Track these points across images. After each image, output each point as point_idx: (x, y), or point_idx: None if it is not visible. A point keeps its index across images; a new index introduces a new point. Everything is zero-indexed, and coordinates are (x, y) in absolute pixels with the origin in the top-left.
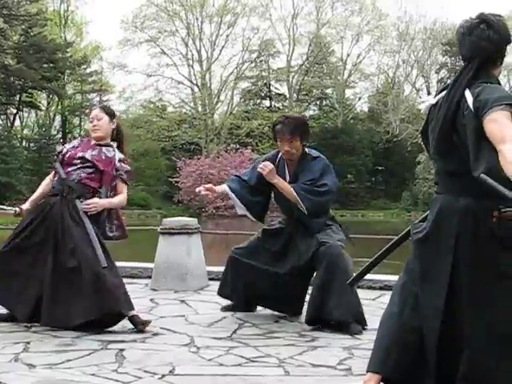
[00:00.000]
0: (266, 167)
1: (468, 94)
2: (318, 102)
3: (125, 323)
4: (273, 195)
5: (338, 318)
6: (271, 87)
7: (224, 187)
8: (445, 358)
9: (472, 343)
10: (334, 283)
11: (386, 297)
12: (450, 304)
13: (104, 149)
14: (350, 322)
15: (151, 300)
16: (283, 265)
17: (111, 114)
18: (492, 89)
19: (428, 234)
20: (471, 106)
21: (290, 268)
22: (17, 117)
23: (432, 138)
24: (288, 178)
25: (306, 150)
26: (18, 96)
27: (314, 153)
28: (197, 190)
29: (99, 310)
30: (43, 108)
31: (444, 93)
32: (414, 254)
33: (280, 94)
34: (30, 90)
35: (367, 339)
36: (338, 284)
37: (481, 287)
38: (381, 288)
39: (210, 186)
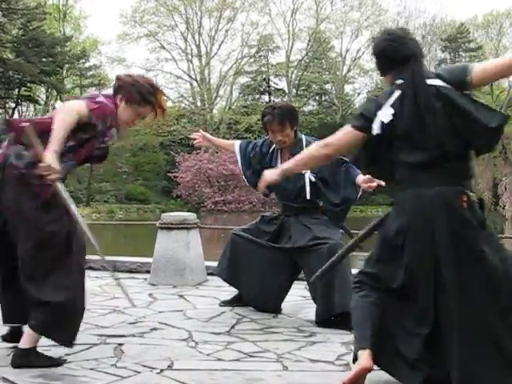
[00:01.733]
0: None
1: (433, 81)
2: (317, 98)
3: (124, 318)
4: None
5: (344, 308)
6: (270, 82)
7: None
8: (434, 354)
9: (459, 340)
10: (336, 279)
11: None
12: (438, 298)
13: None
14: None
15: (150, 295)
16: (276, 243)
17: None
18: (450, 66)
19: (404, 230)
20: (446, 85)
21: (280, 247)
22: (15, 111)
23: (402, 133)
24: (280, 165)
25: (303, 137)
26: (16, 90)
27: (309, 141)
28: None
29: None
30: (42, 102)
31: (396, 103)
32: (389, 254)
33: (279, 89)
34: (28, 84)
35: None
36: (339, 279)
37: (463, 271)
38: None
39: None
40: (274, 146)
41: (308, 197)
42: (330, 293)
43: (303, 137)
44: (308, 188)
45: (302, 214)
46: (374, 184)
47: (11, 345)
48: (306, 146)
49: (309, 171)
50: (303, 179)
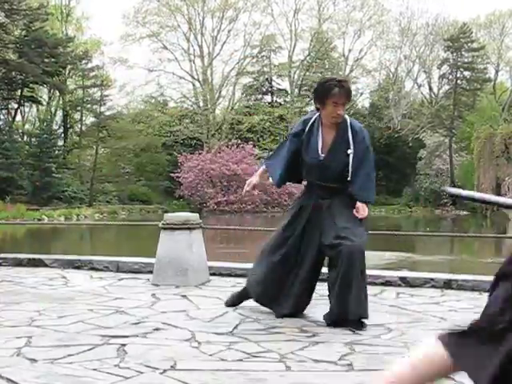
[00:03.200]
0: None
1: None
2: None
3: (127, 318)
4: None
5: (358, 316)
6: (273, 82)
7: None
8: None
9: None
10: (354, 283)
11: (387, 293)
12: None
13: None
14: (365, 318)
15: (152, 295)
16: (310, 235)
17: None
18: None
19: None
20: None
21: (315, 249)
22: (18, 112)
23: None
24: (321, 144)
25: (347, 117)
26: (19, 91)
27: (354, 122)
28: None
29: None
30: (44, 103)
31: None
32: None
33: (281, 90)
34: (31, 85)
35: (368, 335)
36: (356, 283)
37: None
38: (382, 284)
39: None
40: (314, 119)
41: (349, 178)
42: (347, 299)
43: (347, 117)
44: (351, 169)
45: (338, 195)
46: (358, 216)
47: (12, 346)
48: (351, 128)
49: (352, 151)
50: (348, 159)
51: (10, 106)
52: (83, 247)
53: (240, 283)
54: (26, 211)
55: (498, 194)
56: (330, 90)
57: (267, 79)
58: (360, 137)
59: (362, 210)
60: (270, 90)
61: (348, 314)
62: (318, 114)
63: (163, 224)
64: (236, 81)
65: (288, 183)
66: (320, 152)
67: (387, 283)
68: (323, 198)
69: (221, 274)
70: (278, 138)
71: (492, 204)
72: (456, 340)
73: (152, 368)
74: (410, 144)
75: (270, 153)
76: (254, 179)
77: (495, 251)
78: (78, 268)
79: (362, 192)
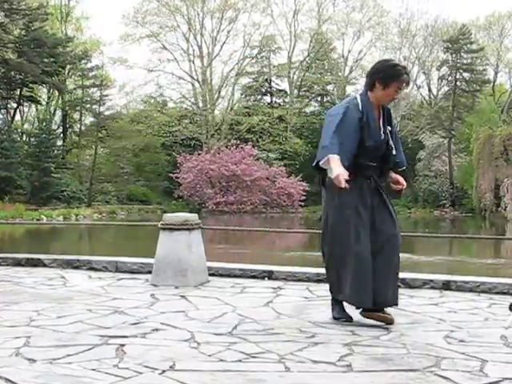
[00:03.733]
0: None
1: None
2: (318, 99)
3: (126, 318)
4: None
5: (392, 302)
6: (272, 83)
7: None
8: None
9: None
10: (392, 271)
11: None
12: None
13: None
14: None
15: (151, 295)
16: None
17: None
18: None
19: None
20: None
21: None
22: (17, 111)
23: None
24: (377, 120)
25: None
26: (18, 90)
27: None
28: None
29: None
30: (44, 103)
31: None
32: None
33: (281, 90)
34: (30, 85)
35: (367, 336)
36: (394, 271)
37: None
38: None
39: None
40: (361, 108)
41: (394, 152)
42: (395, 283)
43: None
44: (393, 144)
45: (376, 173)
46: (399, 187)
47: (11, 346)
48: (384, 107)
49: (390, 128)
50: (388, 137)
51: (9, 106)
52: (82, 247)
53: (239, 283)
54: (24, 211)
55: (497, 195)
56: (401, 76)
57: (266, 80)
58: (391, 114)
59: (402, 181)
60: (269, 90)
61: (396, 299)
62: (363, 95)
63: (162, 224)
64: (235, 81)
65: (285, 184)
66: (381, 133)
67: None
68: (367, 178)
69: (220, 275)
70: (277, 138)
71: None
72: None
73: (151, 368)
74: (410, 145)
75: (329, 138)
76: (343, 171)
77: (494, 252)
78: (76, 268)
79: (403, 160)
